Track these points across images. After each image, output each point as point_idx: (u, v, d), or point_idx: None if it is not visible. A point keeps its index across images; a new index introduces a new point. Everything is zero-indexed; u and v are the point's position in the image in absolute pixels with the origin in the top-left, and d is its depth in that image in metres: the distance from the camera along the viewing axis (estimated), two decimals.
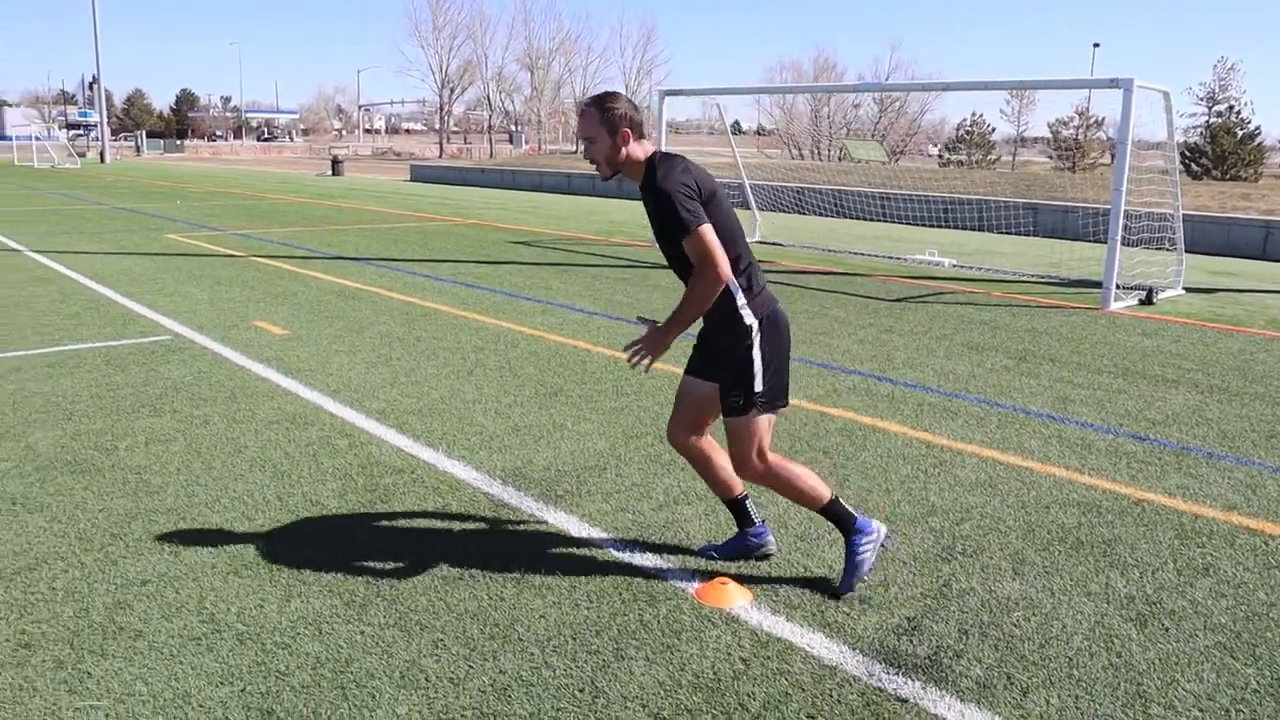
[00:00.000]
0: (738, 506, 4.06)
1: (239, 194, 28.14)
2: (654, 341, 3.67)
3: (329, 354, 7.42)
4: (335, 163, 46.34)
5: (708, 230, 3.49)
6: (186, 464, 5.00)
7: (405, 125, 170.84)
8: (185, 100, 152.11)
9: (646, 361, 3.70)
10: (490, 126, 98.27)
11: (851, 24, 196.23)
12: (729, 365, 3.70)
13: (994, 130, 68.47)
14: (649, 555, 4.05)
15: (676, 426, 3.95)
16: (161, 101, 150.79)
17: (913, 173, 33.76)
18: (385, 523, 4.32)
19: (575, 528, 4.30)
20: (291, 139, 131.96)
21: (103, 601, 3.56)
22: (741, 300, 3.64)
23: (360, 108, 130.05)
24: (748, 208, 17.15)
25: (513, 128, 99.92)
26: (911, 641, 3.41)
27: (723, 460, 3.97)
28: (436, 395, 6.32)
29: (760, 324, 3.66)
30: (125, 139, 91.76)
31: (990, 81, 14.58)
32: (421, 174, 40.38)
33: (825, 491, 3.81)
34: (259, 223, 18.61)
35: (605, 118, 3.62)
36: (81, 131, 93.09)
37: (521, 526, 4.32)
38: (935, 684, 3.15)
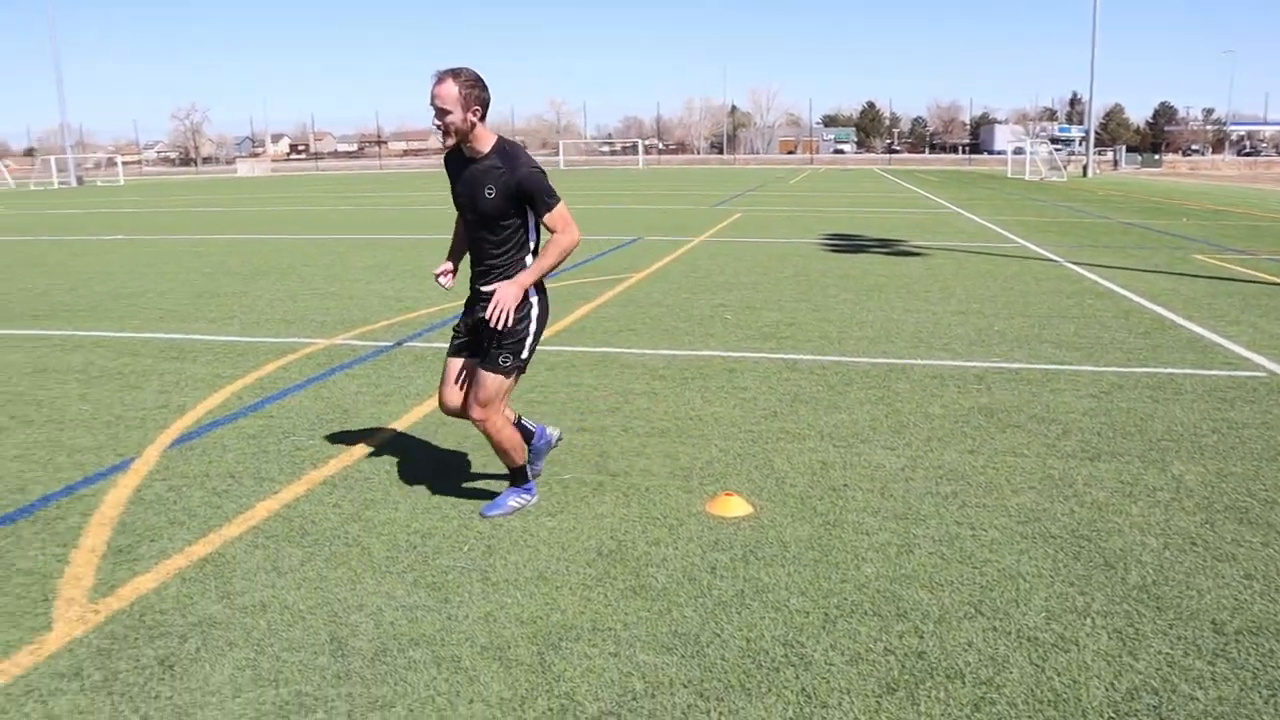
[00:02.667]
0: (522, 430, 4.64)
1: (1246, 213, 26.09)
2: (513, 294, 4.06)
3: None
4: None
5: (564, 204, 4.14)
6: None
7: None
8: (1162, 113, 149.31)
9: (504, 316, 4.06)
10: None
11: None
12: (504, 330, 4.13)
13: None
14: None
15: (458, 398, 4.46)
16: (1138, 115, 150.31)
17: None
18: None
19: None
20: (1278, 153, 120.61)
21: None
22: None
23: None
24: None
25: None
26: None
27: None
28: None
29: (541, 299, 4.28)
30: (1102, 153, 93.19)
31: None
32: None
33: (521, 459, 4.49)
34: None
35: (464, 93, 3.95)
36: (1060, 146, 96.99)
37: None
38: None
